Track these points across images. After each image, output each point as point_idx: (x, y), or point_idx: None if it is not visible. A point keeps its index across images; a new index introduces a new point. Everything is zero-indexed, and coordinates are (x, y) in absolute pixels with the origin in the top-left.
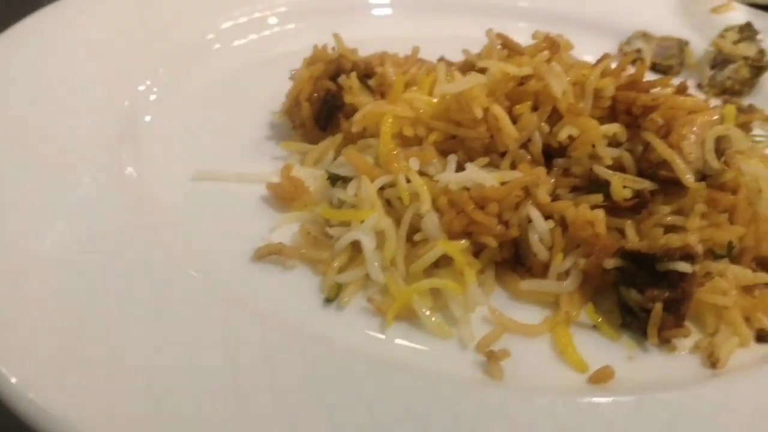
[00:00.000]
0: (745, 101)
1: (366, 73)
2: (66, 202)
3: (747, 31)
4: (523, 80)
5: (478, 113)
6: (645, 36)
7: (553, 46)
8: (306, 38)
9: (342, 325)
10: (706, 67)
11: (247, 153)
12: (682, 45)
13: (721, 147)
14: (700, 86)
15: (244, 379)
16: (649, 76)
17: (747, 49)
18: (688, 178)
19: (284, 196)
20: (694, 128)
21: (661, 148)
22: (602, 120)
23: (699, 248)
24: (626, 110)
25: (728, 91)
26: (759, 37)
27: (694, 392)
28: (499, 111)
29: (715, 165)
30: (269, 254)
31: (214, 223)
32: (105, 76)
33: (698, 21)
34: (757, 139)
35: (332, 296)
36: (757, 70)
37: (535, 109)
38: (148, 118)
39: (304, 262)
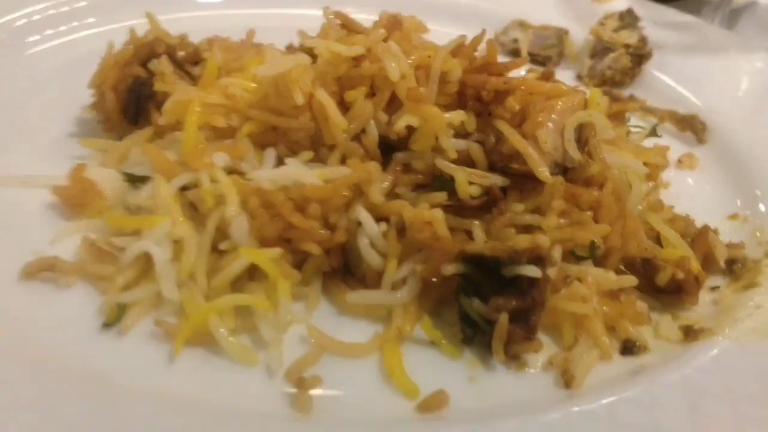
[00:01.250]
0: (627, 92)
1: (194, 61)
2: None
3: (628, 18)
4: (356, 62)
5: (299, 99)
6: (522, 25)
7: (393, 23)
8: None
9: (121, 356)
10: (586, 56)
11: (42, 155)
12: (561, 34)
13: (583, 136)
14: (579, 77)
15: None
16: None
17: (628, 37)
18: (542, 171)
19: (72, 201)
20: (553, 115)
21: (513, 138)
22: (449, 108)
23: (555, 250)
24: (476, 96)
25: (609, 82)
26: (641, 24)
27: (541, 419)
28: (324, 97)
29: (576, 156)
30: (40, 270)
31: None
32: None
33: (580, 10)
34: (634, 130)
35: (112, 320)
36: (638, 58)
37: (372, 96)
38: None
39: (85, 278)
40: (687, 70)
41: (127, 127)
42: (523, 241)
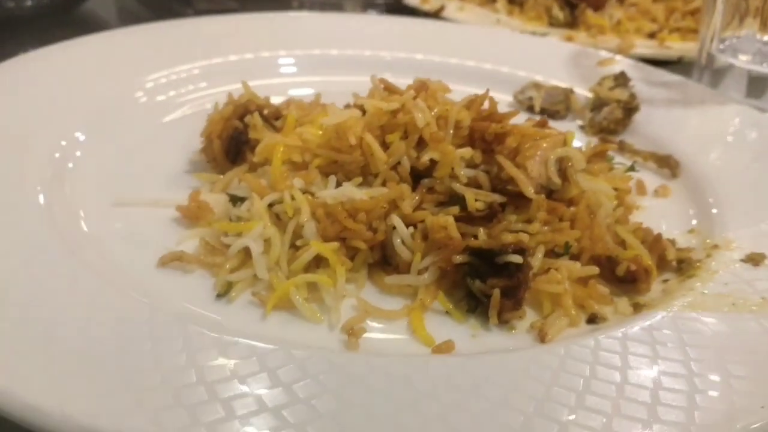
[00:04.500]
0: (619, 137)
1: (276, 116)
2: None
3: (621, 79)
4: (393, 114)
5: (353, 140)
6: (536, 86)
7: (421, 86)
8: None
9: (230, 316)
10: (587, 110)
11: (167, 185)
12: (567, 93)
13: (562, 166)
14: (581, 127)
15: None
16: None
17: (620, 94)
18: (529, 191)
19: (191, 216)
20: (539, 151)
21: (509, 167)
22: (461, 146)
23: (539, 249)
24: (481, 138)
25: (605, 130)
26: (631, 83)
27: (516, 354)
28: (370, 139)
29: (556, 180)
30: (171, 261)
31: (128, 239)
32: (35, 129)
33: (585, 73)
34: (617, 166)
35: (223, 292)
36: (628, 111)
37: (405, 138)
38: (71, 165)
39: (202, 266)
40: (668, 120)
41: (229, 165)
42: (509, 237)
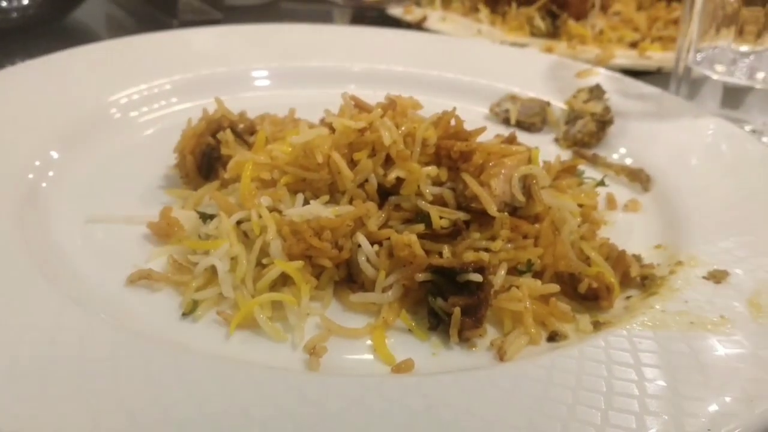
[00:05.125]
0: (593, 151)
1: (251, 131)
2: None
3: (596, 92)
4: (361, 132)
5: (320, 159)
6: (513, 98)
7: (390, 104)
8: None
9: (195, 334)
10: (562, 123)
11: (141, 201)
12: (543, 105)
13: (527, 183)
14: (556, 139)
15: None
16: (516, 133)
17: (595, 107)
18: (492, 209)
19: (161, 233)
20: (503, 169)
21: (473, 185)
22: (427, 164)
23: (502, 267)
24: (447, 155)
25: (579, 143)
26: (606, 96)
27: (473, 373)
28: (337, 157)
29: (520, 197)
30: (140, 279)
31: (99, 257)
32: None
33: (563, 85)
34: (587, 180)
35: (188, 311)
36: (602, 124)
37: (372, 156)
38: (44, 184)
39: (169, 284)
40: (643, 133)
41: (201, 181)
42: (470, 255)
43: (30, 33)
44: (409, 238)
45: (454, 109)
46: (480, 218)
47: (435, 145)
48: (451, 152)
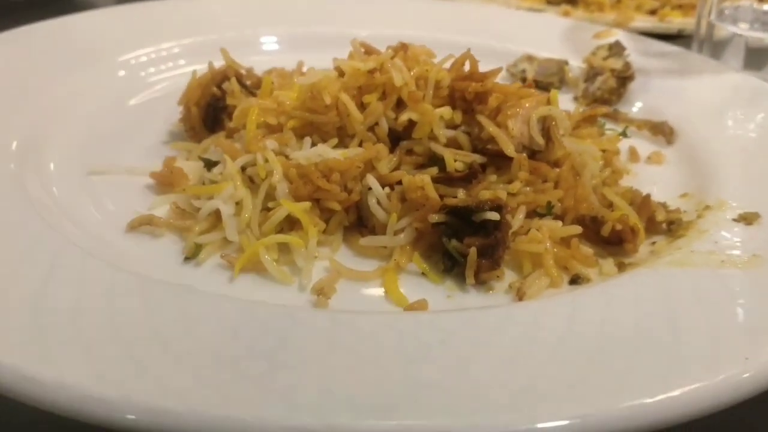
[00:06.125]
0: (614, 107)
1: (257, 86)
2: None
3: (615, 48)
4: (371, 74)
5: (327, 100)
6: (529, 58)
7: (401, 47)
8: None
9: (198, 278)
10: (581, 81)
11: (146, 156)
12: (561, 64)
13: (545, 126)
14: (575, 98)
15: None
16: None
17: (614, 63)
18: (510, 149)
19: (165, 182)
20: (521, 110)
21: (489, 126)
22: (441, 106)
23: (520, 210)
24: (462, 97)
25: (599, 100)
26: (626, 53)
27: (488, 311)
28: (346, 99)
29: (539, 140)
30: (141, 225)
31: (100, 206)
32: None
33: (581, 46)
34: (608, 131)
35: (191, 255)
36: (623, 80)
37: (383, 98)
38: (48, 138)
39: (172, 230)
40: (664, 89)
41: (207, 134)
42: (486, 194)
43: (36, 6)
44: (422, 179)
45: (468, 50)
46: (497, 161)
47: (449, 87)
48: (466, 94)
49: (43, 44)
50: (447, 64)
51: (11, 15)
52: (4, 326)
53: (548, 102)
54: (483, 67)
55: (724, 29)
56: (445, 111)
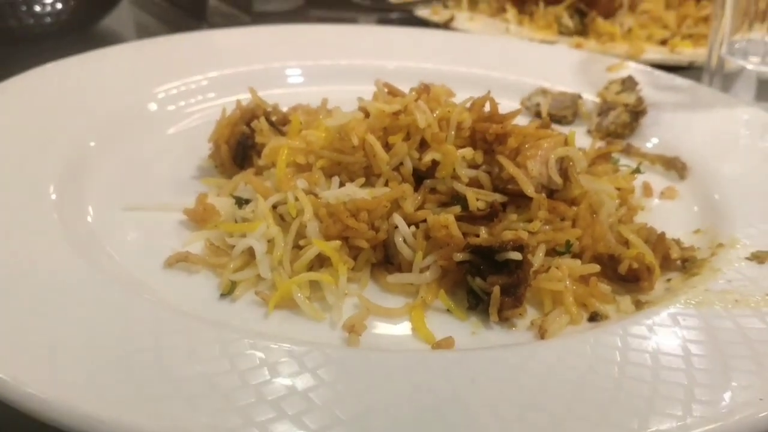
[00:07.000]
0: (627, 141)
1: (283, 122)
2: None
3: (628, 83)
4: (396, 115)
5: (355, 141)
6: (544, 92)
7: (424, 89)
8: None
9: (233, 314)
10: (594, 115)
11: (176, 191)
12: (575, 98)
13: (563, 166)
14: (589, 131)
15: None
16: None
17: (627, 98)
18: (530, 189)
19: (198, 219)
20: (540, 151)
21: (509, 167)
22: (463, 147)
23: (540, 248)
24: (483, 138)
25: (612, 134)
26: (638, 87)
27: (513, 349)
28: (372, 139)
29: (557, 180)
30: (177, 261)
31: (136, 243)
32: (50, 136)
33: (594, 79)
34: (622, 167)
35: (226, 291)
36: (635, 114)
37: (407, 139)
38: (82, 175)
39: (207, 267)
40: (677, 123)
41: (236, 170)
42: (508, 234)
43: (62, 39)
44: (446, 218)
45: (489, 92)
46: (517, 201)
47: (470, 128)
48: (487, 135)
49: (71, 80)
50: (468, 104)
51: (31, 48)
52: (59, 365)
53: (566, 142)
54: (499, 99)
55: (735, 63)
56: (467, 152)
